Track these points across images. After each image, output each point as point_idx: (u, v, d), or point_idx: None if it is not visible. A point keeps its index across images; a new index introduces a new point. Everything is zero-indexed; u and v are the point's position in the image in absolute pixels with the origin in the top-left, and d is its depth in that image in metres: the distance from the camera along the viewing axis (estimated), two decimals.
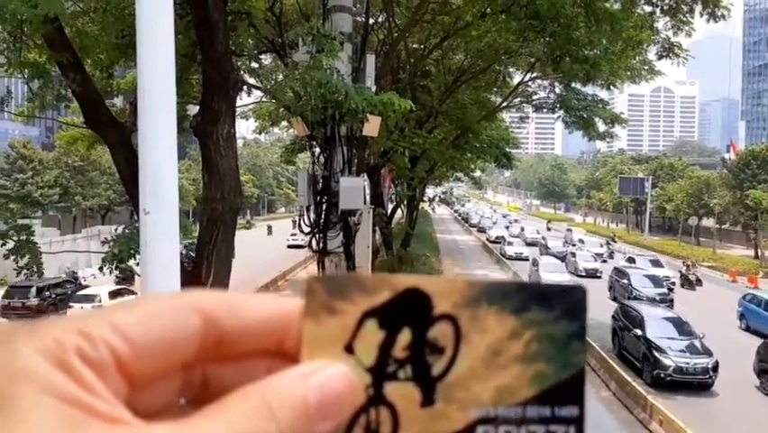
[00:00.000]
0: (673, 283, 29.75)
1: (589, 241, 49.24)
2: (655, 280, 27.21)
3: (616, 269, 29.79)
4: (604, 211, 79.59)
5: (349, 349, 0.37)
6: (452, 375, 0.38)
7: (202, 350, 0.37)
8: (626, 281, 27.10)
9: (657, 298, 24.98)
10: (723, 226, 52.22)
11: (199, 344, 0.36)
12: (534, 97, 21.49)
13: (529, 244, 46.77)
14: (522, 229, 57.93)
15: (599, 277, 33.34)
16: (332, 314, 0.37)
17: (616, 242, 53.36)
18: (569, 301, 0.39)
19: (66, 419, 0.30)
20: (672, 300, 25.21)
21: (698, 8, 11.96)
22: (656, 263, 34.29)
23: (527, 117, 26.12)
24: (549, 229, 67.48)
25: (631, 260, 35.75)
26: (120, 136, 6.75)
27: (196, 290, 0.37)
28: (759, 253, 44.82)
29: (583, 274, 33.78)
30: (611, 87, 16.88)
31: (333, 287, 0.38)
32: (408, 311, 0.38)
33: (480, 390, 0.38)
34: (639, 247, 51.14)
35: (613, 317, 20.11)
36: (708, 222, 53.85)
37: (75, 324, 0.33)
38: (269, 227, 56.76)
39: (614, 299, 26.57)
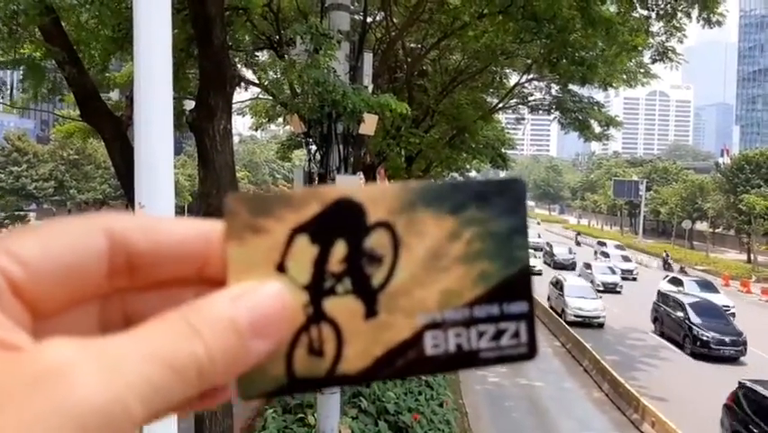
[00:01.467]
0: (733, 315, 23.58)
1: (621, 256, 40.76)
2: (718, 315, 20.71)
3: (661, 294, 23.82)
4: (598, 213, 79.88)
5: (280, 268, 0.35)
6: (394, 284, 0.37)
7: (113, 274, 0.33)
8: (680, 314, 21.02)
9: (733, 352, 19.33)
10: (716, 230, 52.51)
11: (108, 266, 0.33)
12: (530, 99, 21.53)
13: (534, 249, 41.94)
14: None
15: (619, 292, 31.32)
16: (257, 233, 0.35)
17: (669, 264, 41.90)
18: (508, 196, 0.38)
19: None
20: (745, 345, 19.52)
21: (694, 14, 12.03)
22: (707, 286, 27.53)
23: (523, 118, 26.15)
24: (579, 244, 56.00)
25: (676, 281, 28.77)
26: (116, 130, 6.74)
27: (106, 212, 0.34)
28: (752, 258, 45.10)
29: (600, 289, 29.19)
30: (607, 89, 16.95)
31: (256, 205, 0.35)
32: (341, 222, 0.36)
33: (424, 295, 0.37)
34: (635, 250, 51.27)
35: None
36: (702, 226, 54.18)
37: None
38: None
39: (661, 334, 22.41)
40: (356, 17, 10.32)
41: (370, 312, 0.36)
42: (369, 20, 11.46)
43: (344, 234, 0.36)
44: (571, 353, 19.32)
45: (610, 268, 34.02)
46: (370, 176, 17.43)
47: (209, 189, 6.04)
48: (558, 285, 25.41)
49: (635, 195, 63.23)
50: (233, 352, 0.31)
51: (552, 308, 24.84)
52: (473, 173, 35.13)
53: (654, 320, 23.38)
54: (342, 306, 0.36)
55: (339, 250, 0.36)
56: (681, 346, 20.67)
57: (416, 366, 0.37)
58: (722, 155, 74.12)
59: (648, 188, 61.23)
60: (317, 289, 0.36)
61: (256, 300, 0.33)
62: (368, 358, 0.36)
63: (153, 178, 3.10)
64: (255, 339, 0.32)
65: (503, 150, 22.75)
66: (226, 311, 0.32)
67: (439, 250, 0.37)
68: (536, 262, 35.79)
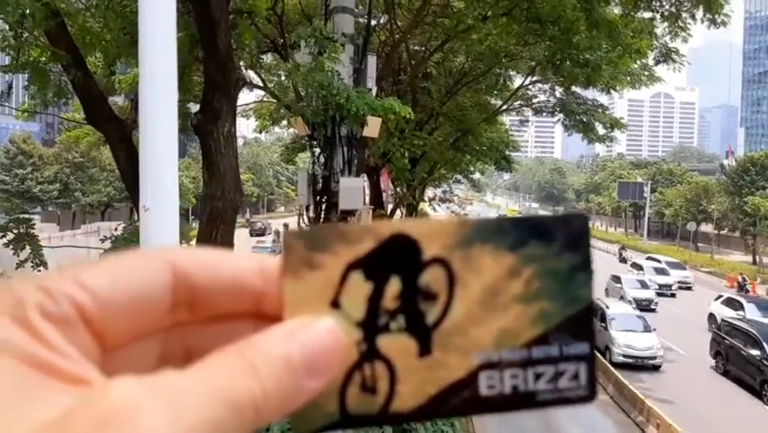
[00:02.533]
0: None
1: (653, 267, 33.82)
2: None
3: (727, 324, 19.17)
4: (603, 215, 79.68)
5: (335, 304, 0.35)
6: (449, 322, 0.36)
7: (175, 308, 0.34)
8: (756, 353, 16.76)
9: None
10: (721, 232, 52.29)
11: (171, 299, 0.34)
12: (535, 101, 21.53)
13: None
14: None
15: (654, 310, 26.20)
16: (313, 269, 0.35)
17: (745, 285, 33.95)
18: (570, 231, 0.36)
19: (21, 379, 0.28)
20: None
21: (698, 15, 12.01)
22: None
23: (527, 121, 26.15)
24: (624, 260, 43.20)
25: (732, 303, 23.18)
26: (120, 133, 6.77)
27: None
28: (757, 260, 44.91)
29: (633, 306, 23.73)
30: (611, 92, 16.93)
31: (312, 240, 0.35)
32: (396, 259, 0.36)
33: (480, 334, 0.36)
34: (639, 251, 51.13)
35: None
36: (707, 227, 53.95)
37: (37, 281, 0.31)
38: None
39: (725, 373, 18.23)
40: (360, 20, 10.34)
41: (424, 350, 0.36)
42: (373, 23, 11.49)
43: (399, 270, 0.36)
44: None
45: (639, 281, 28.69)
46: (374, 178, 17.45)
47: (213, 192, 6.06)
48: (598, 314, 19.70)
49: (639, 197, 63.04)
50: (287, 388, 0.31)
51: None
52: (477, 175, 35.13)
53: (716, 355, 18.98)
54: (396, 343, 0.36)
55: (393, 287, 0.36)
56: (758, 394, 16.44)
57: (470, 406, 0.36)
58: (727, 157, 73.88)
59: (653, 190, 61.02)
60: (371, 326, 0.36)
61: (310, 337, 0.33)
62: (421, 396, 0.35)
63: (158, 180, 3.12)
64: (309, 376, 0.32)
65: (507, 152, 22.73)
66: (281, 348, 0.32)
67: (497, 287, 0.36)
68: None
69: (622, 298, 25.31)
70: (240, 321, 0.36)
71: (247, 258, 0.36)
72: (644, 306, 25.63)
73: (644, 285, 28.20)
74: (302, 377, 0.32)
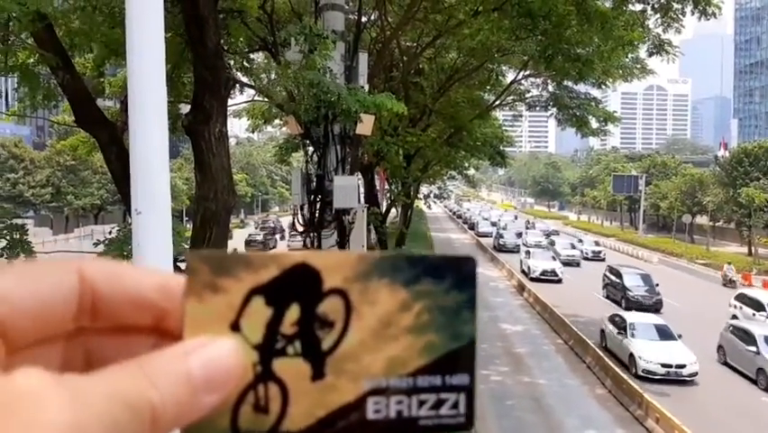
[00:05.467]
0: None
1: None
2: None
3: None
4: (598, 209, 79.86)
5: (235, 327, 0.37)
6: (343, 348, 0.38)
7: (79, 314, 0.35)
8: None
9: None
10: (716, 224, 52.47)
11: (77, 305, 0.35)
12: (527, 95, 21.53)
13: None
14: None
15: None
16: (216, 292, 0.37)
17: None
18: (460, 272, 0.39)
19: None
20: None
21: (689, 6, 12.00)
22: None
23: (521, 115, 26.18)
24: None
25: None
26: (110, 135, 6.70)
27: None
28: (753, 251, 45.08)
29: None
30: (602, 86, 16.93)
31: (217, 265, 0.37)
32: (297, 287, 0.38)
33: (371, 361, 0.38)
34: (635, 245, 51.26)
35: None
36: (702, 219, 54.13)
37: None
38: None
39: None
40: (351, 17, 10.29)
41: (318, 374, 0.38)
42: (363, 19, 11.43)
43: (299, 298, 0.38)
44: (574, 350, 19.29)
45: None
46: (368, 175, 17.41)
47: (206, 193, 6.00)
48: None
49: (634, 190, 63.19)
50: (184, 402, 0.33)
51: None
52: (472, 171, 35.15)
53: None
54: (291, 367, 0.38)
55: (292, 313, 0.38)
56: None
57: (357, 429, 0.38)
58: (720, 148, 74.16)
59: (647, 183, 61.17)
60: (268, 349, 0.38)
61: (209, 355, 0.35)
62: (310, 418, 0.37)
63: (149, 183, 3.06)
64: (205, 392, 0.34)
65: (501, 147, 22.74)
66: (180, 363, 0.34)
67: (389, 319, 0.38)
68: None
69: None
70: (141, 336, 0.38)
71: (153, 274, 0.38)
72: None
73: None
74: (200, 392, 0.34)
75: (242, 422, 0.37)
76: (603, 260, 38.02)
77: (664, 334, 17.39)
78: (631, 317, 18.59)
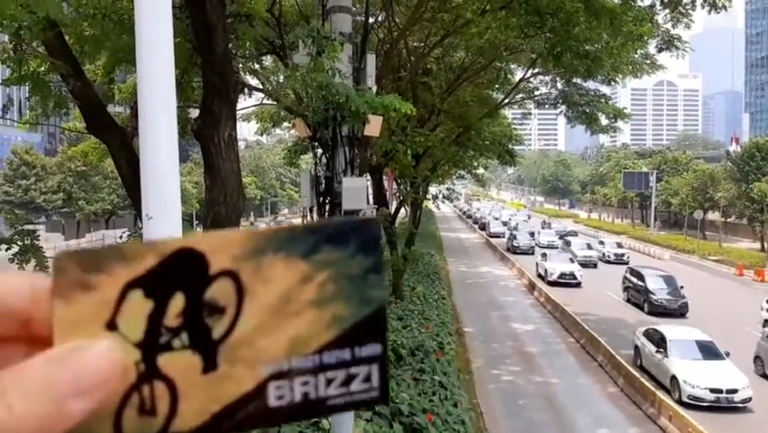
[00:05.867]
0: None
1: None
2: None
3: None
4: (609, 207, 79.34)
5: (111, 326, 0.35)
6: (237, 335, 0.36)
7: None
8: None
9: None
10: (728, 220, 51.98)
11: None
12: (536, 93, 21.43)
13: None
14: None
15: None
16: (87, 290, 0.34)
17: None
18: (363, 236, 0.37)
19: None
20: None
21: (699, 0, 11.90)
22: None
23: (529, 114, 26.04)
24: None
25: None
26: (121, 141, 6.76)
27: None
28: (765, 246, 44.60)
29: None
30: (612, 83, 16.83)
31: (87, 261, 0.34)
32: (179, 274, 0.35)
33: (270, 344, 0.36)
34: (646, 243, 50.85)
35: None
36: (714, 215, 53.63)
37: None
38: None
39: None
40: (358, 18, 10.31)
41: (209, 366, 0.35)
42: (371, 21, 11.44)
43: (183, 286, 0.35)
44: (586, 348, 19.19)
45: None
46: (377, 177, 17.41)
47: (216, 197, 6.03)
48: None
49: (645, 186, 62.75)
50: (46, 412, 0.31)
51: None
52: (481, 170, 35.03)
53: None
54: (179, 361, 0.35)
55: (177, 303, 0.35)
56: None
57: (258, 418, 0.35)
58: (732, 143, 73.42)
59: (658, 180, 60.72)
60: (151, 345, 0.35)
61: (76, 360, 0.32)
62: (204, 414, 0.35)
63: (160, 187, 3.09)
64: (73, 400, 0.32)
65: (510, 146, 22.64)
66: (39, 373, 0.32)
67: (289, 295, 0.36)
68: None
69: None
70: (12, 345, 0.35)
71: (18, 278, 0.35)
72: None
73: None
74: (67, 399, 0.32)
75: (126, 427, 0.34)
76: (626, 263, 34.32)
77: (710, 352, 15.35)
78: (670, 332, 16.38)
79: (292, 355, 0.36)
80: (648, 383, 14.73)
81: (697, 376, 14.39)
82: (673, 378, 14.88)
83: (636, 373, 15.53)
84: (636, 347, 17.41)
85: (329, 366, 0.36)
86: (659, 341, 16.15)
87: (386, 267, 0.34)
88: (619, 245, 42.31)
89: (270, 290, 0.36)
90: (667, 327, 17.11)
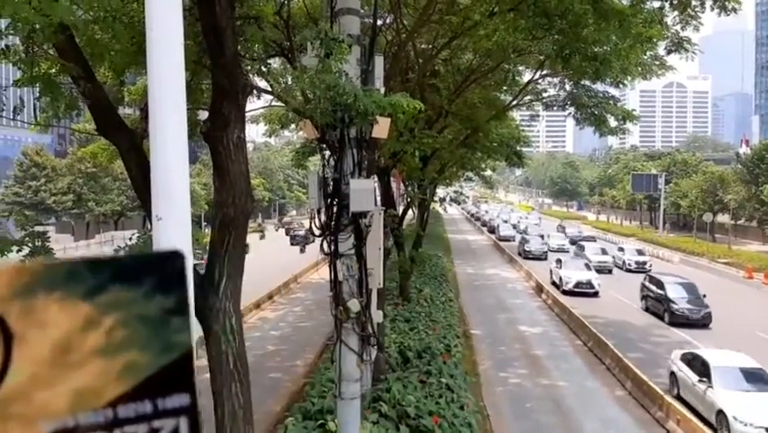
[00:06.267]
0: None
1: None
2: None
3: None
4: (617, 209, 78.95)
5: None
6: (7, 388, 0.30)
7: None
8: None
9: None
10: (738, 222, 51.58)
11: None
12: (545, 95, 21.37)
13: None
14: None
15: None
16: None
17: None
18: (163, 272, 0.32)
19: None
20: None
21: (708, 2, 11.83)
22: None
23: (538, 115, 25.98)
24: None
25: None
26: (131, 142, 6.81)
27: None
28: None
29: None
30: (621, 85, 16.75)
31: None
32: None
33: (50, 398, 0.31)
34: (655, 245, 50.53)
35: None
36: (723, 218, 53.25)
37: None
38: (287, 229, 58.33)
39: None
40: (366, 21, 10.32)
41: None
42: (379, 23, 11.46)
43: None
44: (593, 351, 19.10)
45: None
46: (384, 179, 17.42)
47: (225, 198, 6.07)
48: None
49: (654, 189, 62.39)
50: None
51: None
52: (488, 172, 34.96)
53: None
54: None
55: None
56: None
57: None
58: (742, 145, 72.87)
59: (667, 182, 60.35)
60: None
61: None
62: None
63: (169, 189, 3.12)
64: None
65: (518, 147, 22.59)
66: None
67: (69, 342, 0.31)
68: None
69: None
70: None
71: None
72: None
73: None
74: None
75: None
76: (648, 272, 31.56)
77: (760, 380, 13.27)
78: (713, 357, 14.23)
79: (78, 410, 0.31)
80: (692, 416, 13.00)
81: (749, 412, 12.28)
82: (720, 413, 12.75)
83: (675, 403, 13.64)
84: (672, 374, 15.22)
85: (126, 421, 0.32)
86: (701, 368, 13.99)
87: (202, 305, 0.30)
88: (640, 252, 39.35)
89: (46, 337, 0.31)
90: (709, 352, 15.12)
